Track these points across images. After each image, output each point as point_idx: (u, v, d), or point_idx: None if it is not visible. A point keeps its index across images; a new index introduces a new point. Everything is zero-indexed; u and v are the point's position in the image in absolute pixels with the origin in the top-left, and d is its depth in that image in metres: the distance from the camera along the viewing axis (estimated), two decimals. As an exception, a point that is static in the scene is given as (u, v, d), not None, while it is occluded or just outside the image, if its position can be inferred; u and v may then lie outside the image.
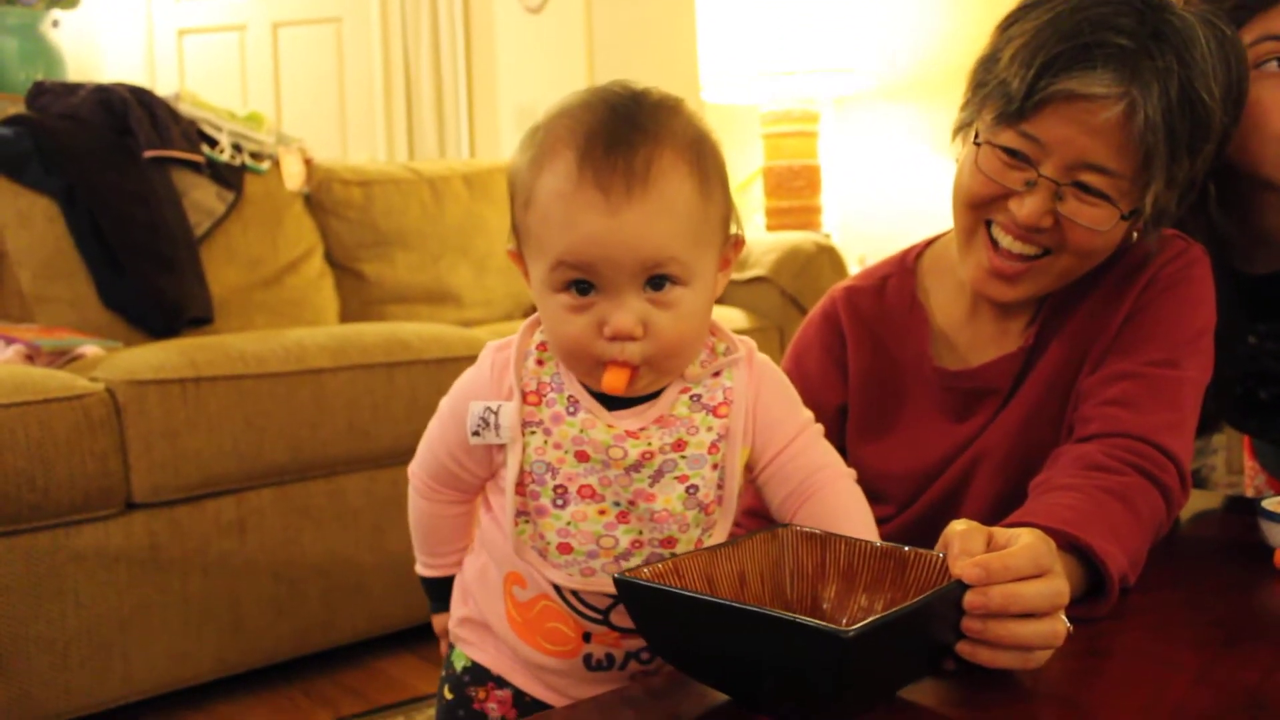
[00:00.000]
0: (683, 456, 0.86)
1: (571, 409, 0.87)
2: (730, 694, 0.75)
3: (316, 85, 4.67)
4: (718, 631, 0.69)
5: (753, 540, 0.82)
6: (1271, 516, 1.04)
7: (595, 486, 0.87)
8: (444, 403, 0.96)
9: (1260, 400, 1.38)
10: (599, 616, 0.89)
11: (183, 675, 1.92)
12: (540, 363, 0.90)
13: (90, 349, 2.05)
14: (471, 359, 0.95)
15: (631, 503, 0.86)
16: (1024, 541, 0.75)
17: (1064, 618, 0.76)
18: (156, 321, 2.32)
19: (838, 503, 0.90)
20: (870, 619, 0.65)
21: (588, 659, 0.91)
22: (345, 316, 2.75)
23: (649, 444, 0.86)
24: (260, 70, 4.70)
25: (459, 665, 0.99)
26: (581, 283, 0.82)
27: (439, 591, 1.05)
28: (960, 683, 0.77)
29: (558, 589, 0.89)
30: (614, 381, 0.83)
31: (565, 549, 0.88)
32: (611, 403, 0.87)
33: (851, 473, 0.94)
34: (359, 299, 2.79)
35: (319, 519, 2.07)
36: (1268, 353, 1.32)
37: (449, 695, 0.99)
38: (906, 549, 0.79)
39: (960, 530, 0.76)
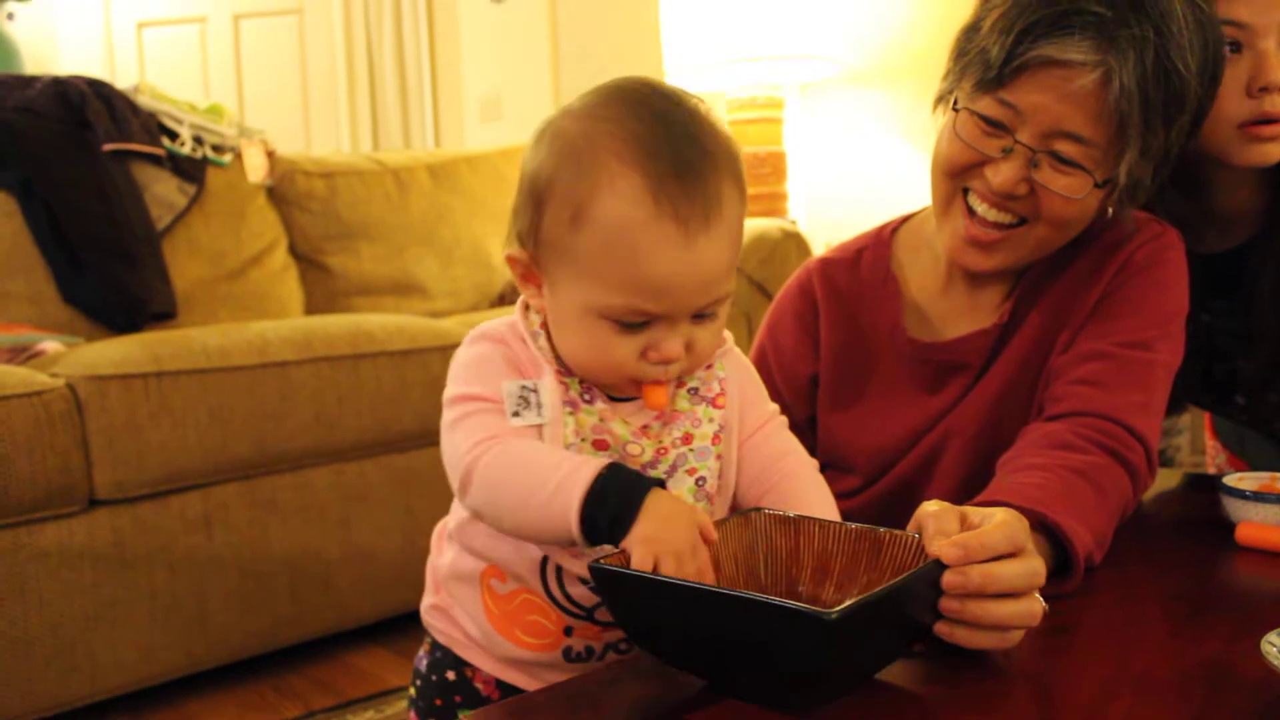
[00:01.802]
0: (691, 449, 0.87)
1: (588, 396, 0.86)
2: (707, 680, 0.75)
3: (279, 77, 4.63)
4: (696, 617, 0.69)
5: (725, 525, 0.82)
6: (1233, 492, 1.06)
7: None
8: (463, 378, 0.86)
9: (1215, 377, 1.40)
10: (583, 613, 0.88)
11: (150, 673, 1.90)
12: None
13: (50, 345, 2.02)
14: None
15: None
16: (999, 520, 0.75)
17: (1039, 596, 0.76)
18: (118, 317, 2.29)
19: (801, 490, 0.90)
20: (853, 600, 0.64)
21: (567, 651, 0.90)
22: (310, 309, 2.72)
23: (661, 441, 0.86)
24: (221, 63, 4.65)
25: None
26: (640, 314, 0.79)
27: None
28: (930, 662, 0.77)
29: (544, 584, 0.87)
30: (658, 399, 0.82)
31: None
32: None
33: (814, 462, 0.94)
34: (324, 291, 2.76)
35: (285, 513, 2.05)
36: (1221, 329, 1.34)
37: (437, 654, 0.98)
38: (881, 530, 0.79)
39: (934, 510, 0.77)
